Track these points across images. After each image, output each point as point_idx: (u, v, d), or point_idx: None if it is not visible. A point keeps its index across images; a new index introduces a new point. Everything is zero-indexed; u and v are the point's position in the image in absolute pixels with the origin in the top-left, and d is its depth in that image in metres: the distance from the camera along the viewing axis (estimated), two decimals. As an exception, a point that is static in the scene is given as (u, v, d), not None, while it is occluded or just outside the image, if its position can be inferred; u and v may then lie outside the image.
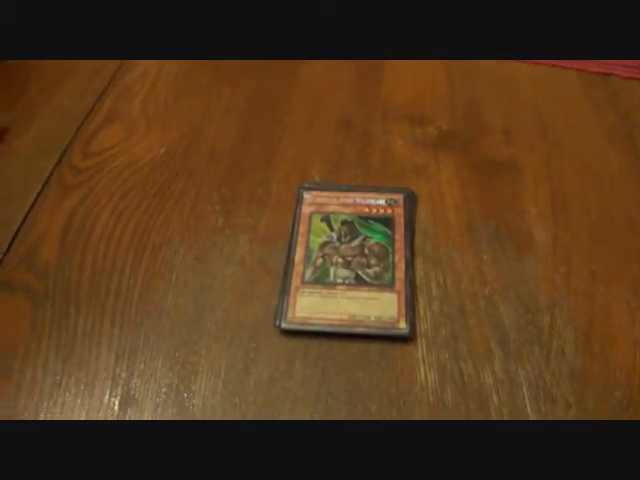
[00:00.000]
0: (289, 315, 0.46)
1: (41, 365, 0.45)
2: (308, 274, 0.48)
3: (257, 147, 0.60)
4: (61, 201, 0.55)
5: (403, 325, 0.45)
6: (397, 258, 0.49)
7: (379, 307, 0.46)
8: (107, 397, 0.43)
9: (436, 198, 0.55)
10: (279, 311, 0.46)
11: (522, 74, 0.69)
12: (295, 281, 0.48)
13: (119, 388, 0.43)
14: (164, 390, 0.43)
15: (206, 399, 0.43)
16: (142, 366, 0.44)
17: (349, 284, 0.48)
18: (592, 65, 0.69)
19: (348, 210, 0.53)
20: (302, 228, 0.52)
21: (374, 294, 0.47)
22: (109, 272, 0.50)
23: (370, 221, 0.52)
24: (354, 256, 0.49)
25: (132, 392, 0.43)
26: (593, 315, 0.47)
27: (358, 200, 0.54)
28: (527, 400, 0.42)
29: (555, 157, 0.59)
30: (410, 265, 0.49)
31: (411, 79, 0.68)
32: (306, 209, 0.53)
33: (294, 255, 0.50)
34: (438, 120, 0.63)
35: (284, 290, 0.48)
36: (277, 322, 0.46)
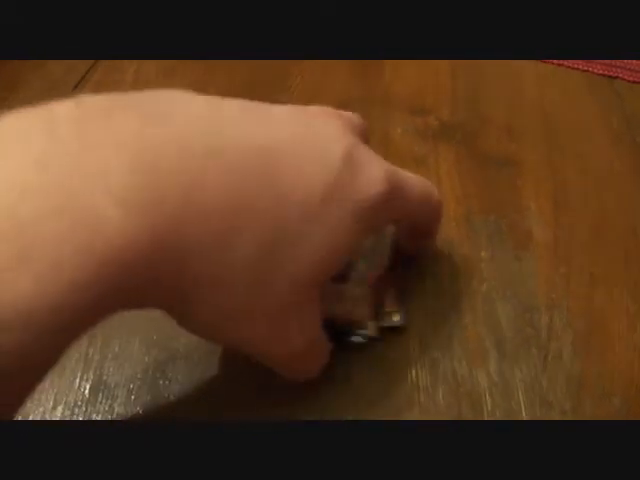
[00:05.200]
0: None
1: (9, 343, 0.42)
2: None
3: (250, 128, 0.58)
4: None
5: (397, 317, 0.43)
6: (390, 249, 0.47)
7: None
8: (78, 380, 0.40)
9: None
10: None
11: (527, 71, 0.67)
12: None
13: (91, 372, 0.41)
14: (139, 376, 0.41)
15: (183, 387, 0.40)
16: (117, 349, 0.42)
17: None
18: (598, 67, 0.68)
19: None
20: None
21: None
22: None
23: None
24: None
25: (104, 377, 0.41)
26: (592, 319, 0.45)
27: None
28: (522, 404, 0.40)
29: (557, 156, 0.57)
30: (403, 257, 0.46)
31: (413, 68, 0.66)
32: None
33: None
34: (439, 111, 0.61)
35: None
36: None
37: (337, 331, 0.41)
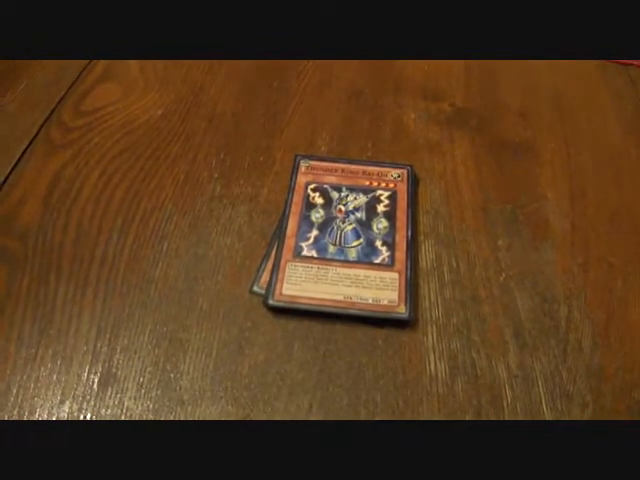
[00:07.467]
0: (277, 292, 0.42)
1: (15, 336, 0.41)
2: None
3: (261, 112, 0.57)
4: (47, 160, 0.51)
5: (402, 309, 0.42)
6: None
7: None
8: (86, 374, 0.39)
9: (449, 177, 0.51)
10: (269, 286, 0.43)
11: (540, 57, 0.66)
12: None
13: (99, 364, 0.40)
14: (149, 369, 0.39)
15: (194, 381, 0.39)
16: (126, 341, 0.41)
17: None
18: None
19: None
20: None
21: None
22: (95, 237, 0.46)
23: None
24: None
25: (114, 369, 0.39)
26: (611, 309, 0.44)
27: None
28: (542, 397, 0.39)
29: (573, 144, 0.56)
30: (411, 245, 0.45)
31: (425, 53, 0.64)
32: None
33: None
34: (453, 97, 0.59)
35: (275, 263, 0.44)
36: (266, 298, 0.42)
37: (367, 316, 0.41)
